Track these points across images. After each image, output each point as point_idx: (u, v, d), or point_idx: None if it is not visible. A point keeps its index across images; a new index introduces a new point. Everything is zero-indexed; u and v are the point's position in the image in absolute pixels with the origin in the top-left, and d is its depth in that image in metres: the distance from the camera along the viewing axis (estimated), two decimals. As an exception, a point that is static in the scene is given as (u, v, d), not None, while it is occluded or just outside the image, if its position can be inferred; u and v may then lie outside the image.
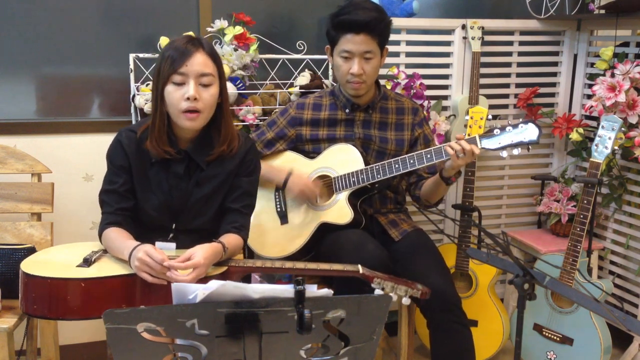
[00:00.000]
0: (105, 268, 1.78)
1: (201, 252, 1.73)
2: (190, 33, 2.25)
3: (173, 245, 1.82)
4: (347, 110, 2.35)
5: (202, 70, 1.79)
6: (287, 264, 1.92)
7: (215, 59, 1.85)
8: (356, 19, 2.16)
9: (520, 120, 2.07)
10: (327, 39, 2.29)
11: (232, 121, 1.97)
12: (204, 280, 1.75)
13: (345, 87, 2.31)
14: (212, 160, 1.92)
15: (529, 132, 2.06)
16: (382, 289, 1.88)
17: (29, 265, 1.77)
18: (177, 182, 1.91)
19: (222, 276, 1.83)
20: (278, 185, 2.34)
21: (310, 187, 2.28)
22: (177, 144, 1.90)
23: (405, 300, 1.90)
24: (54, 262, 1.82)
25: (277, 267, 1.91)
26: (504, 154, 2.09)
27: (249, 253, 2.37)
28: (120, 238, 1.82)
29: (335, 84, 2.45)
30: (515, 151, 2.08)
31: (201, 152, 1.91)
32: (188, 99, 1.78)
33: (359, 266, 1.90)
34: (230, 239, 1.89)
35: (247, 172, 1.98)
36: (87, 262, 1.79)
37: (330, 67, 2.62)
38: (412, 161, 2.18)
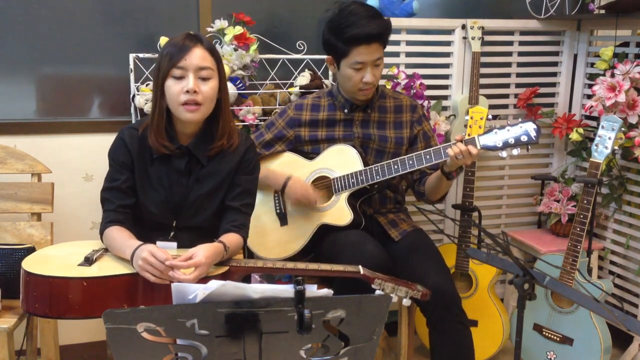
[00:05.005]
0: (107, 267, 1.78)
1: (202, 252, 1.74)
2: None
3: (174, 244, 1.82)
4: (345, 111, 2.35)
5: (201, 64, 1.82)
6: (289, 264, 1.92)
7: (214, 54, 1.88)
8: (369, 32, 2.14)
9: (520, 120, 2.07)
10: (328, 50, 2.26)
11: (232, 117, 1.98)
12: (204, 280, 1.75)
13: (356, 95, 2.29)
14: (212, 155, 1.93)
15: (528, 131, 2.06)
16: (383, 290, 1.88)
17: (30, 264, 1.76)
18: (177, 177, 1.92)
19: (224, 276, 1.83)
20: (276, 189, 2.34)
21: (308, 193, 2.26)
22: (177, 139, 1.91)
23: (406, 302, 1.90)
24: (56, 260, 1.82)
25: (278, 267, 1.91)
26: (504, 154, 2.09)
27: (249, 254, 2.37)
28: (122, 237, 1.83)
29: (334, 84, 2.45)
30: (515, 151, 2.08)
31: (202, 148, 1.92)
32: (187, 92, 1.80)
33: (360, 267, 1.90)
34: (231, 238, 1.90)
35: (247, 170, 1.99)
36: (88, 260, 1.79)
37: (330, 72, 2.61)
38: (411, 162, 2.18)
